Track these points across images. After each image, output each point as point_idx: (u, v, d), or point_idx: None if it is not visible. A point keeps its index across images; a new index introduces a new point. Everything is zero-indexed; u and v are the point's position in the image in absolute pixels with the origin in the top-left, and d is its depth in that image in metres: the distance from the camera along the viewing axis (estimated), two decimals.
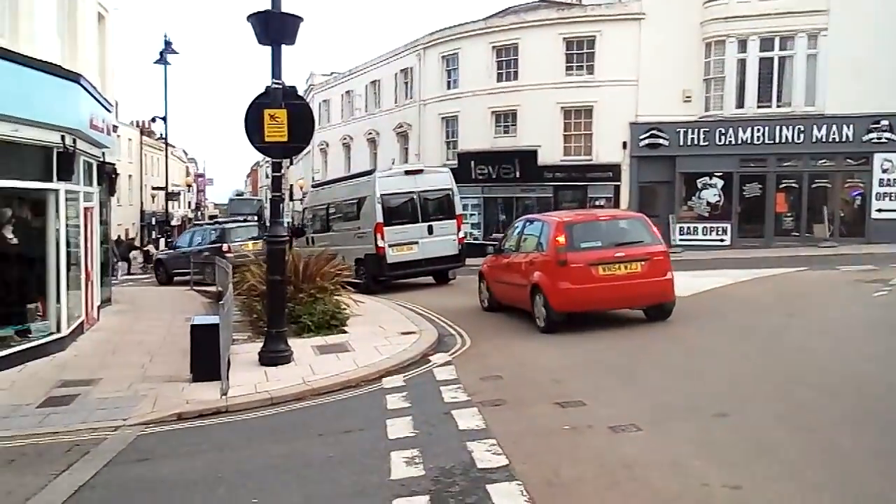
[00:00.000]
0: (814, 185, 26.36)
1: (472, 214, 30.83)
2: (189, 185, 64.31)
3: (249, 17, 8.96)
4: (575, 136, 28.83)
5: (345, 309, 12.22)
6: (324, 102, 46.25)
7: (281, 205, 9.90)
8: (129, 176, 51.60)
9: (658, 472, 5.00)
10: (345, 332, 11.37)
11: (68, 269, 11.30)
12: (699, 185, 27.22)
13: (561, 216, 12.02)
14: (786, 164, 26.35)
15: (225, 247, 21.96)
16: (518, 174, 29.43)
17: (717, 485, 4.74)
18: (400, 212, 17.89)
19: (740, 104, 26.27)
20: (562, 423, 6.26)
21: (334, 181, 23.76)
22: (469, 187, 30.01)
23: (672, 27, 26.67)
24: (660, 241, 11.26)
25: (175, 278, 24.49)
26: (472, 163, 30.48)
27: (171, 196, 43.98)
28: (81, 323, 12.27)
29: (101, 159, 14.27)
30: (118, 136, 18.98)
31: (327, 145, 45.55)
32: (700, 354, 9.01)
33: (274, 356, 9.25)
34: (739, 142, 26.30)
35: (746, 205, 26.78)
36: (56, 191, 10.83)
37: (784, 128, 25.82)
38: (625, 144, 27.82)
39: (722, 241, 26.65)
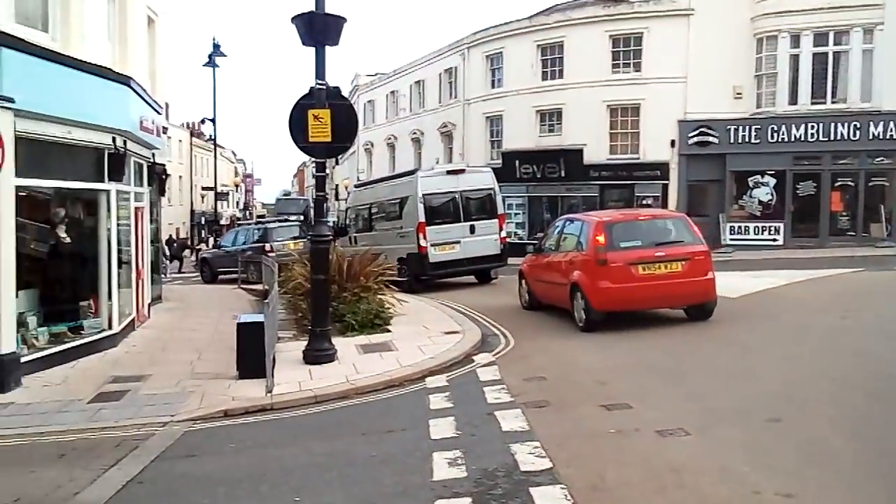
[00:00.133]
0: (870, 184, 25.55)
1: (516, 214, 30.72)
2: (237, 186, 65.45)
3: (294, 19, 9.03)
4: (622, 135, 28.46)
5: (388, 308, 12.23)
6: (369, 103, 46.57)
7: (325, 204, 9.97)
8: (180, 176, 52.78)
9: (707, 478, 4.87)
10: (388, 331, 11.39)
11: (119, 268, 11.58)
12: (751, 184, 26.60)
13: (601, 215, 12.07)
14: (841, 161, 25.58)
15: (267, 246, 22.38)
16: (563, 173, 29.17)
17: (768, 492, 4.58)
18: (442, 211, 17.91)
19: (793, 101, 25.59)
20: (607, 426, 6.14)
21: (377, 181, 23.88)
22: (513, 186, 29.92)
23: (721, 23, 26.10)
24: (701, 240, 11.16)
25: (219, 276, 25.05)
26: (517, 162, 30.33)
27: (219, 196, 44.82)
28: (133, 320, 12.53)
29: (152, 160, 14.57)
30: (168, 137, 19.39)
31: (372, 145, 45.84)
32: (751, 356, 8.77)
33: (318, 354, 9.29)
34: (793, 139, 25.62)
35: (800, 204, 26.07)
36: (107, 191, 11.10)
37: (839, 125, 25.09)
38: (673, 142, 27.35)
39: (774, 240, 26.00)
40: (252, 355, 8.41)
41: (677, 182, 27.43)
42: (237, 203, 77.09)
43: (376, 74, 47.74)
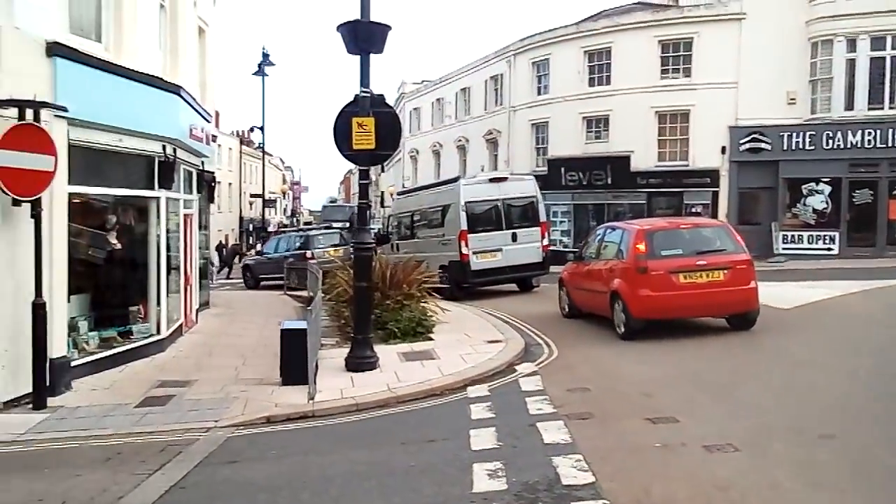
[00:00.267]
0: None
1: (561, 221, 30.51)
2: (284, 193, 66.36)
3: (339, 28, 9.09)
4: (670, 142, 28.05)
5: (431, 316, 12.21)
6: (414, 110, 46.83)
7: (368, 212, 9.98)
8: (229, 184, 53.77)
9: (756, 497, 4.70)
10: (430, 339, 11.35)
11: (168, 274, 11.77)
12: (804, 192, 25.89)
13: (641, 224, 12.08)
14: None
15: (308, 253, 22.70)
16: (610, 180, 28.87)
17: None
18: (484, 219, 17.89)
19: (849, 106, 24.85)
20: (652, 440, 5.98)
21: (419, 189, 23.96)
22: (559, 194, 29.72)
23: (774, 27, 25.50)
24: (743, 249, 11.04)
25: (261, 283, 25.54)
26: (563, 169, 30.12)
27: (267, 203, 45.44)
28: (180, 325, 12.74)
29: (201, 168, 14.82)
30: (218, 145, 19.79)
31: (418, 153, 46.06)
32: (804, 369, 8.48)
33: (360, 362, 9.30)
34: (848, 146, 24.86)
35: (856, 212, 25.25)
36: (157, 198, 11.31)
37: None
38: (724, 149, 26.80)
39: (829, 249, 25.26)
40: (295, 362, 8.44)
41: (728, 190, 26.88)
42: (285, 210, 78.17)
43: (422, 82, 48.03)
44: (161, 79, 11.04)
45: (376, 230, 24.85)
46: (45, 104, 8.11)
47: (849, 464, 5.26)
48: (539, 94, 32.44)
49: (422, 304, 12.33)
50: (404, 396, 8.10)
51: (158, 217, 11.38)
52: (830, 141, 25.06)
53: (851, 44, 24.63)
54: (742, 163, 26.57)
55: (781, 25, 25.46)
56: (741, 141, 26.38)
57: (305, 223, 60.44)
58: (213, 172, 16.85)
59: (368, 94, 9.02)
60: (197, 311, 14.75)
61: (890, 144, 24.37)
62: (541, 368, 9.29)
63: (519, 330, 12.13)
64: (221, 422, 7.40)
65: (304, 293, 17.53)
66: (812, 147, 25.37)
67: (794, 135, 25.63)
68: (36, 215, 8.04)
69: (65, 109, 8.47)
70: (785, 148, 25.81)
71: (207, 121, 14.54)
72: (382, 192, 49.19)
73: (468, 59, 40.21)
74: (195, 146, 12.94)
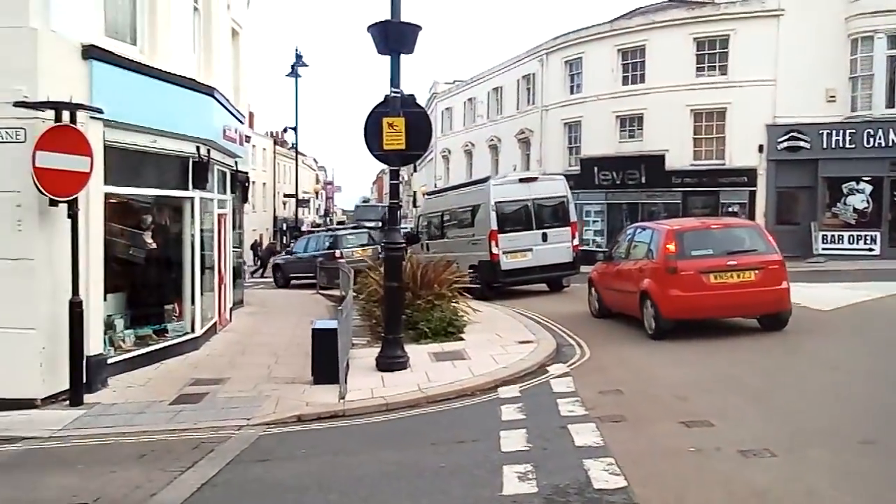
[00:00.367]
0: None
1: (594, 221, 30.26)
2: (318, 192, 66.78)
3: (370, 28, 9.10)
4: (706, 140, 27.60)
5: (462, 316, 12.17)
6: (446, 110, 46.82)
7: (398, 211, 9.98)
8: (263, 184, 54.26)
9: (793, 503, 4.57)
10: (461, 339, 11.31)
11: (202, 273, 11.91)
12: (845, 191, 25.30)
13: (672, 224, 12.03)
14: None
15: (337, 253, 22.90)
16: (644, 180, 28.52)
17: None
18: (514, 219, 17.84)
19: (891, 104, 24.20)
20: (686, 444, 5.87)
21: (449, 189, 23.95)
22: (592, 193, 29.49)
23: (813, 23, 24.94)
24: (775, 249, 10.93)
25: (291, 281, 25.86)
26: (596, 168, 29.85)
27: (301, 203, 45.77)
28: (214, 324, 12.88)
29: (235, 168, 14.97)
30: (252, 146, 19.98)
31: (449, 152, 46.05)
32: (844, 373, 8.28)
33: (390, 362, 9.30)
34: (890, 144, 24.20)
35: None
36: (192, 198, 11.44)
37: None
38: (761, 148, 26.29)
39: (870, 250, 24.64)
40: (326, 361, 8.46)
41: (765, 189, 26.36)
42: (318, 209, 78.69)
43: (454, 82, 47.99)
44: (195, 80, 11.16)
45: (407, 230, 24.90)
46: (81, 106, 8.25)
47: (889, 470, 5.11)
48: (572, 93, 32.18)
49: (453, 304, 12.29)
50: (435, 396, 8.07)
51: (192, 217, 11.52)
52: (871, 139, 24.43)
53: (892, 40, 23.98)
54: (780, 161, 26.05)
55: (820, 22, 24.90)
56: (779, 139, 25.86)
57: (338, 223, 60.75)
58: (246, 173, 17.01)
59: (399, 95, 9.02)
60: (231, 309, 14.89)
61: None
62: (572, 370, 9.19)
63: (550, 330, 12.05)
64: (253, 420, 7.46)
65: (336, 292, 17.62)
66: (852, 145, 24.77)
67: (834, 133, 25.05)
68: (73, 215, 8.18)
69: (100, 111, 8.60)
70: (824, 146, 25.23)
71: (241, 122, 14.68)
72: (415, 192, 49.23)
73: (500, 58, 40.06)
74: (229, 147, 13.07)
